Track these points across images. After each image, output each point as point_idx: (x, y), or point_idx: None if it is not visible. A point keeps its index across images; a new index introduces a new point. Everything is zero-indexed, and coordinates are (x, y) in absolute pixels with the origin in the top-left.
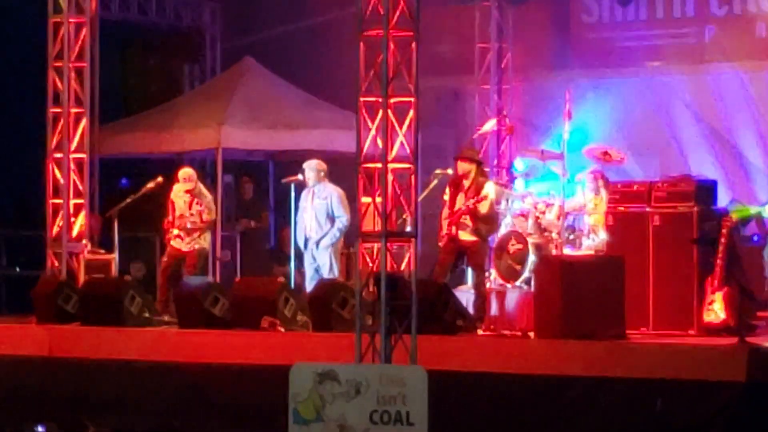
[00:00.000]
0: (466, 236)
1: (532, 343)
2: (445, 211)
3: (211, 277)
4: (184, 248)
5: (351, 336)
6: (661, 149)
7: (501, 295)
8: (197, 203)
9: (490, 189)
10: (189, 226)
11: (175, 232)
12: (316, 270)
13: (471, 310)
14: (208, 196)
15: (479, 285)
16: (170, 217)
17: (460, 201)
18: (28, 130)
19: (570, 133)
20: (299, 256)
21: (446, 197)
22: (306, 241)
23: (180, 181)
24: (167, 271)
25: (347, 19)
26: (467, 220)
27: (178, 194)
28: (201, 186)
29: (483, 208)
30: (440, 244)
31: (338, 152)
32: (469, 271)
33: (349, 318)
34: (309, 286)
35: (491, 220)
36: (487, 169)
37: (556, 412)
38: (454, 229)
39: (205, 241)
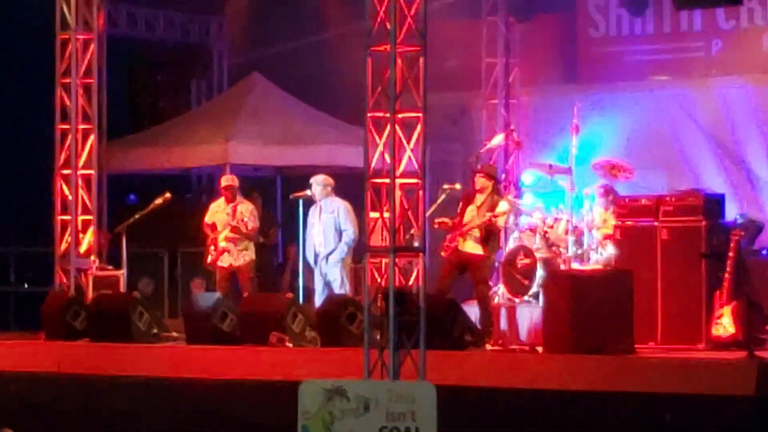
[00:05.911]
0: (471, 248)
1: (541, 357)
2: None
3: (219, 293)
4: (235, 263)
5: (359, 351)
6: (669, 163)
7: (509, 310)
8: (241, 212)
9: (505, 207)
10: (236, 225)
11: (222, 245)
12: (327, 285)
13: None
14: (250, 206)
15: (483, 300)
16: (212, 236)
17: (469, 214)
18: (36, 147)
19: (578, 148)
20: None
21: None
22: (316, 256)
23: (222, 184)
24: (226, 292)
25: (355, 34)
26: (476, 231)
27: (218, 209)
28: (240, 196)
29: (500, 221)
30: (443, 254)
31: (346, 167)
32: None
33: (358, 333)
34: (319, 300)
35: (498, 237)
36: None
37: (565, 427)
38: (461, 241)
39: (252, 252)
